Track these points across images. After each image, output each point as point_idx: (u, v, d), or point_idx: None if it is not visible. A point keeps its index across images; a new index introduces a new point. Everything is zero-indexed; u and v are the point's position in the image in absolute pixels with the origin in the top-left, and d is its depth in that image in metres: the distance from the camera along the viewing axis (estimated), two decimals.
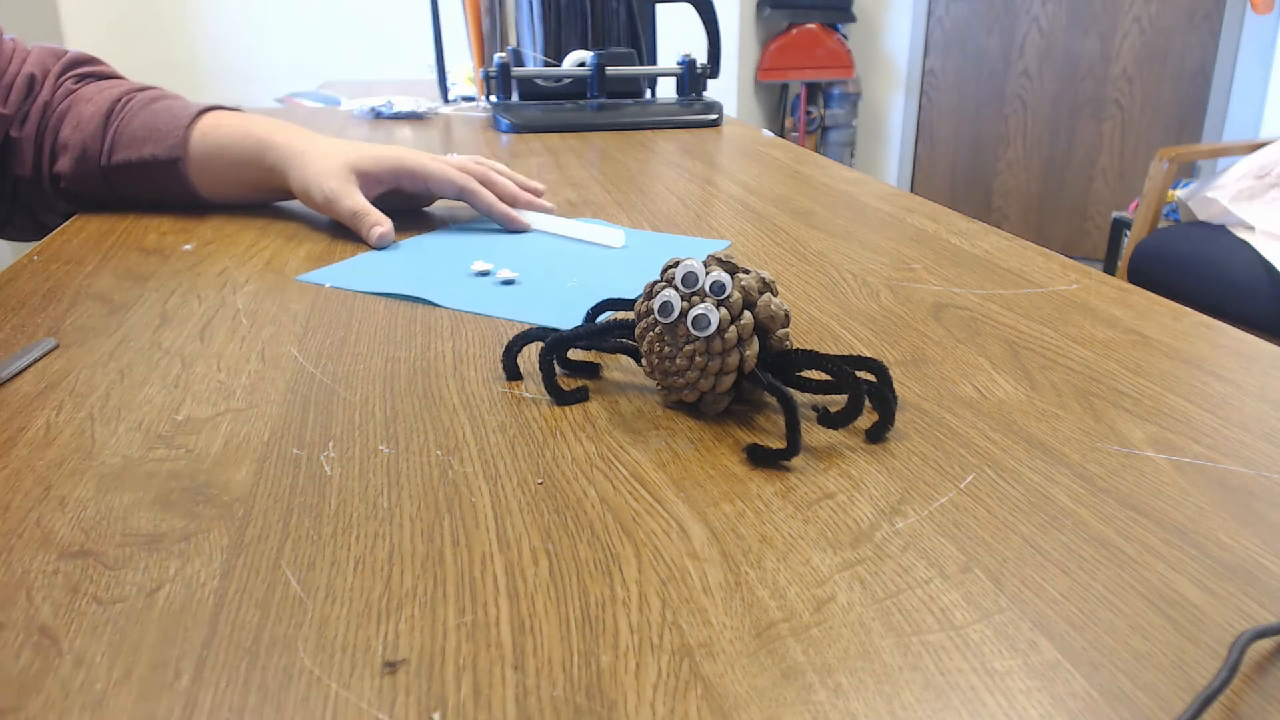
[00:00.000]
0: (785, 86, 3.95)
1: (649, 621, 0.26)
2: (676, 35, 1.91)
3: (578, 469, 0.35)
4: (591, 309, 0.45)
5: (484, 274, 0.58)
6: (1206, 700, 0.22)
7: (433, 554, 0.29)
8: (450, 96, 1.45)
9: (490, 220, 0.70)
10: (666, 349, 0.38)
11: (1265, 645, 0.25)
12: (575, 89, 1.28)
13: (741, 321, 0.37)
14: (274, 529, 0.31)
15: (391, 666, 0.24)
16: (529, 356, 0.45)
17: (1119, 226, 2.73)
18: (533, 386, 0.42)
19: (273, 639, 0.25)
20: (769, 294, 0.39)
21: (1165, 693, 0.24)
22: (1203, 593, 0.27)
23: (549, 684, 0.24)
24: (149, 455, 0.35)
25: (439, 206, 0.76)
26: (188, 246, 0.64)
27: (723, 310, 0.37)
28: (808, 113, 3.90)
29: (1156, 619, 0.26)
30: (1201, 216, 2.10)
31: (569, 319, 0.50)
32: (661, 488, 0.33)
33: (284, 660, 0.25)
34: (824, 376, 0.39)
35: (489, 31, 1.39)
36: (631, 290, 0.56)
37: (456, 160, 0.72)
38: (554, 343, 0.41)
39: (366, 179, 0.68)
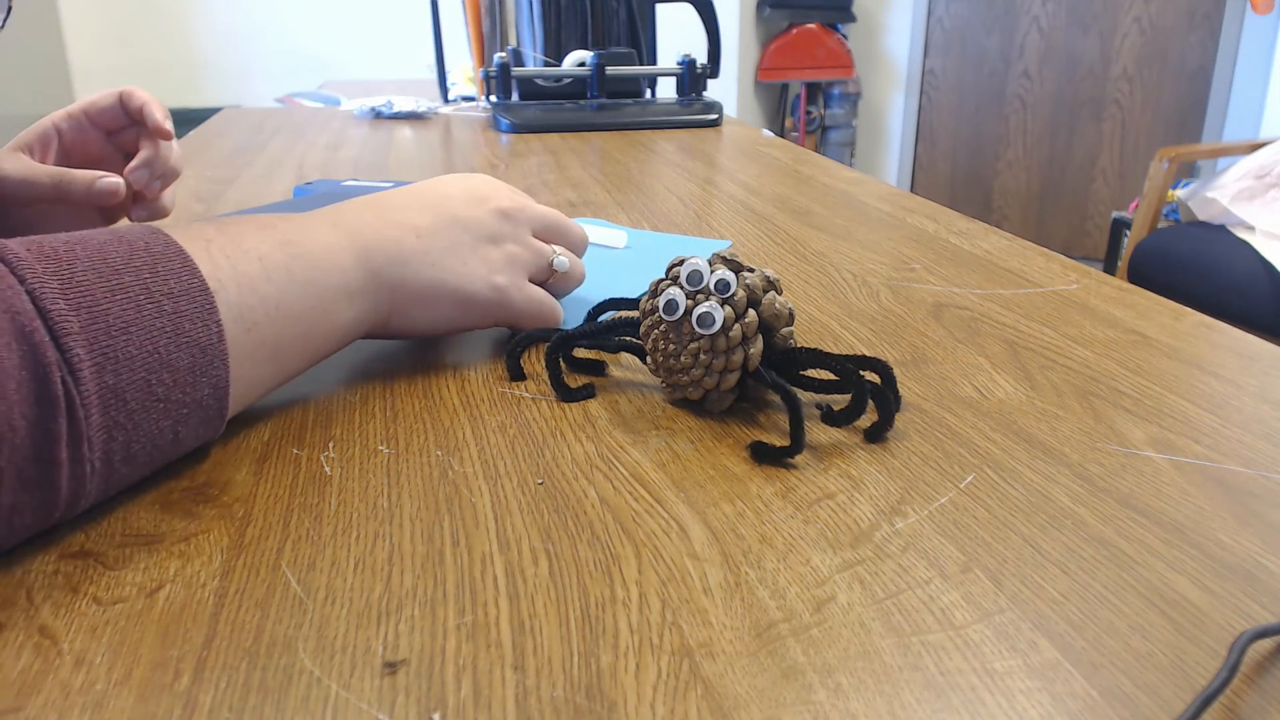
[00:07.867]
0: (785, 86, 3.95)
1: (649, 621, 0.26)
2: (676, 35, 1.91)
3: (578, 469, 0.35)
4: (593, 309, 0.45)
5: None
6: (1206, 700, 0.22)
7: (433, 554, 0.29)
8: (450, 96, 1.45)
9: None
10: (671, 347, 0.38)
11: (1265, 645, 0.25)
12: (575, 89, 1.28)
13: (746, 320, 0.37)
14: (274, 529, 0.31)
15: (391, 667, 0.24)
16: (529, 357, 0.45)
17: (1119, 226, 2.72)
18: (533, 386, 0.42)
19: (273, 639, 0.25)
20: (773, 292, 0.39)
21: (1165, 693, 0.24)
22: (1203, 593, 0.27)
23: (549, 684, 0.24)
24: None
25: None
26: None
27: (727, 308, 0.37)
28: (808, 113, 3.90)
29: (1156, 619, 0.26)
30: (1201, 216, 2.10)
31: (570, 319, 0.50)
32: (661, 488, 0.33)
33: (284, 660, 0.25)
34: (827, 375, 0.39)
35: (489, 31, 1.39)
36: (632, 291, 0.55)
37: None
38: (560, 340, 0.41)
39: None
